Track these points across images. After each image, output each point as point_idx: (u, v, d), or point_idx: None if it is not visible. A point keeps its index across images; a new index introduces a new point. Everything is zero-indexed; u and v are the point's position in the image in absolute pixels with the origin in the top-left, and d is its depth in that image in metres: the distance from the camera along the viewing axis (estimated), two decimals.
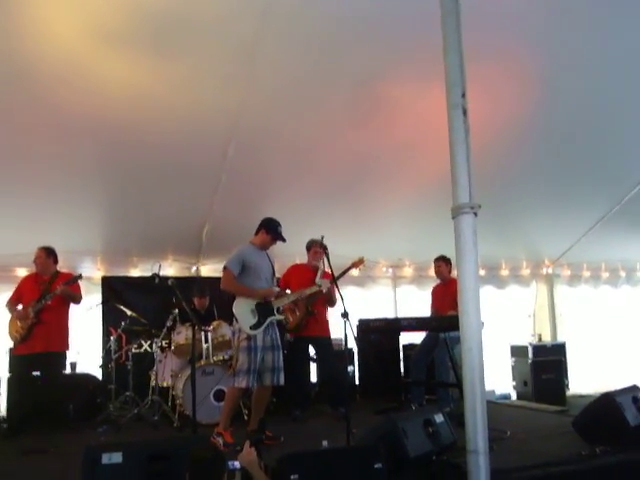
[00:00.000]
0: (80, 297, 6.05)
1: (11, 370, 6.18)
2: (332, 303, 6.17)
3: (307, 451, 3.68)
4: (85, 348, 6.88)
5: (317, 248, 6.01)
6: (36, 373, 5.70)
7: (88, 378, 6.59)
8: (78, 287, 6.06)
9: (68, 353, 6.20)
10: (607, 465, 4.14)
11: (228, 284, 5.02)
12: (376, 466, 3.49)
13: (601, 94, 5.83)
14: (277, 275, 5.66)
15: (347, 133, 6.02)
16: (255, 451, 3.20)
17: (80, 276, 6.00)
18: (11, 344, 5.99)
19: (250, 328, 4.89)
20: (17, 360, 5.96)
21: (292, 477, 3.27)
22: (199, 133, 5.59)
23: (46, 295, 5.73)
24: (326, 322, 6.29)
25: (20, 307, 5.89)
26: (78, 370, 6.61)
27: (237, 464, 3.19)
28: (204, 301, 6.75)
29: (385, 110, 5.74)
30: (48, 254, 5.99)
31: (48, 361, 5.77)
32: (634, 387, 5.16)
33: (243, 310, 4.95)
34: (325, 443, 4.07)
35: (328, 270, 5.01)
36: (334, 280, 5.07)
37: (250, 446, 3.24)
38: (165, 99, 5.21)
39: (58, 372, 5.98)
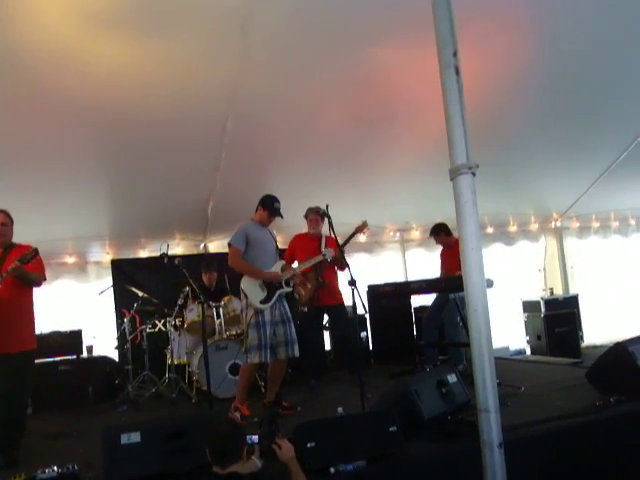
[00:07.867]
0: (40, 277, 4.36)
1: None
2: (342, 267, 5.90)
3: (322, 419, 3.73)
4: (100, 331, 6.99)
5: (312, 215, 6.01)
6: None
7: (105, 360, 6.68)
8: (39, 264, 4.29)
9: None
10: (621, 414, 4.17)
11: (235, 262, 5.04)
12: (391, 429, 3.56)
13: (599, 41, 5.60)
14: (283, 246, 5.61)
15: (344, 101, 5.94)
16: (293, 446, 3.14)
17: (36, 250, 4.08)
18: None
19: (260, 302, 4.93)
20: None
21: (309, 445, 3.33)
22: (196, 109, 5.50)
23: None
24: (337, 289, 6.24)
25: None
26: (94, 353, 6.69)
27: (255, 438, 3.21)
28: (212, 276, 6.79)
29: (381, 76, 5.64)
30: (11, 219, 4.42)
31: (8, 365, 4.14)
32: None
33: (251, 285, 4.98)
34: (340, 410, 4.14)
35: (332, 236, 5.01)
36: (339, 247, 5.09)
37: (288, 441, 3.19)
38: (157, 76, 5.12)
39: (24, 376, 4.28)
